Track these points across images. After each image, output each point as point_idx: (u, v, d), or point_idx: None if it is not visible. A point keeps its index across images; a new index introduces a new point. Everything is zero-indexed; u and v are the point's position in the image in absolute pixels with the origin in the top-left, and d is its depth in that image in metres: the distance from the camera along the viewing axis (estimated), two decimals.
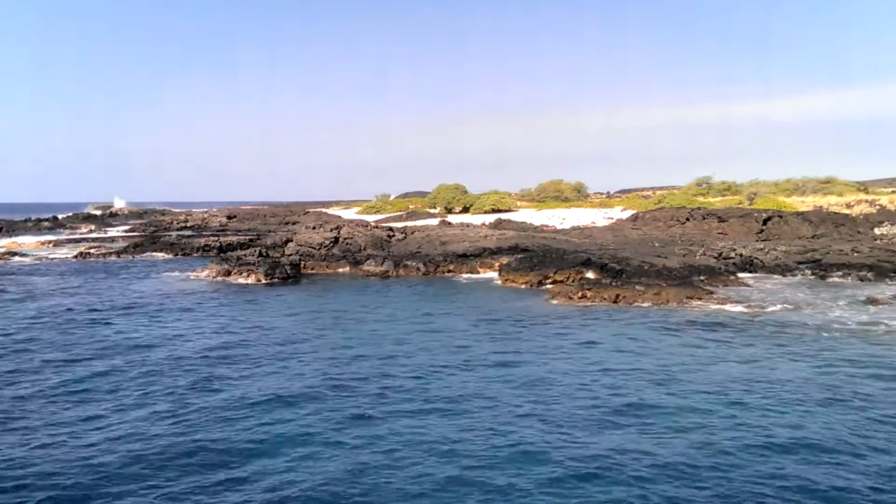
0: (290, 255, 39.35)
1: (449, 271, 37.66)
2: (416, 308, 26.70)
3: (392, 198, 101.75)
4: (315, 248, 40.25)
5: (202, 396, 14.88)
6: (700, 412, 13.55)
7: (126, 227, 79.32)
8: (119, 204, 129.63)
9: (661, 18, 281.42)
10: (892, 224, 47.65)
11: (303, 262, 38.57)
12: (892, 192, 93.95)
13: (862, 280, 32.02)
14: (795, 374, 16.22)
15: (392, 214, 79.10)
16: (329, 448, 11.95)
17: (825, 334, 20.74)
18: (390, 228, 45.95)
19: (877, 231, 46.04)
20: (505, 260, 37.32)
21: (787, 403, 14.01)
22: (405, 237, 43.93)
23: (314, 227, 43.85)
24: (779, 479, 10.49)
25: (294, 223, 51.97)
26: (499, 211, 75.37)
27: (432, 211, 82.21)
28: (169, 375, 16.63)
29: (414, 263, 37.85)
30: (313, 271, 38.43)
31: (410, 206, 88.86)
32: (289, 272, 36.05)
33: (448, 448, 11.86)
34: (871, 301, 25.92)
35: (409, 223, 57.91)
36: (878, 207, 58.12)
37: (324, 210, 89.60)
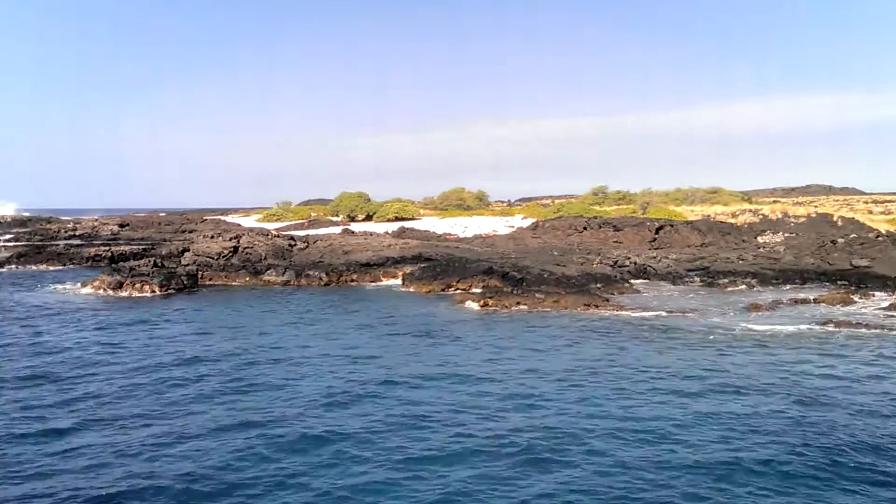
0: (187, 265, 38.20)
1: (352, 280, 37.45)
2: (318, 317, 26.43)
3: (293, 205, 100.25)
4: (213, 258, 39.21)
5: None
6: (587, 403, 14.02)
7: (8, 237, 74.95)
8: (5, 210, 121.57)
9: (568, 28, 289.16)
10: (773, 233, 50.53)
11: (200, 273, 37.50)
12: (774, 201, 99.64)
13: (747, 287, 33.78)
14: (676, 371, 17.00)
15: (293, 222, 77.97)
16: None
17: (710, 338, 21.77)
18: (292, 237, 45.29)
19: (759, 239, 48.70)
20: (408, 269, 37.45)
21: (665, 393, 14.68)
22: (307, 246, 43.40)
23: (212, 236, 42.70)
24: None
25: (191, 232, 50.43)
26: (402, 219, 75.50)
27: (335, 219, 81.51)
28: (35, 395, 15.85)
29: (316, 273, 37.45)
30: (211, 282, 37.43)
31: (312, 214, 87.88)
32: (185, 283, 34.99)
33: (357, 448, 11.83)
34: (754, 307, 27.40)
35: (311, 231, 57.25)
36: (760, 217, 61.41)
37: (222, 218, 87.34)
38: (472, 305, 28.79)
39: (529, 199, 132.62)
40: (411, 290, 33.98)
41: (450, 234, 58.29)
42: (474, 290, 32.61)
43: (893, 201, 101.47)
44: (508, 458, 11.92)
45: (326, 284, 36.62)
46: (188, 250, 41.50)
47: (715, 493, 10.57)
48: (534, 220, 64.28)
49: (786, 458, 11.84)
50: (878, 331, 22.69)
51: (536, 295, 29.76)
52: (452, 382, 16.94)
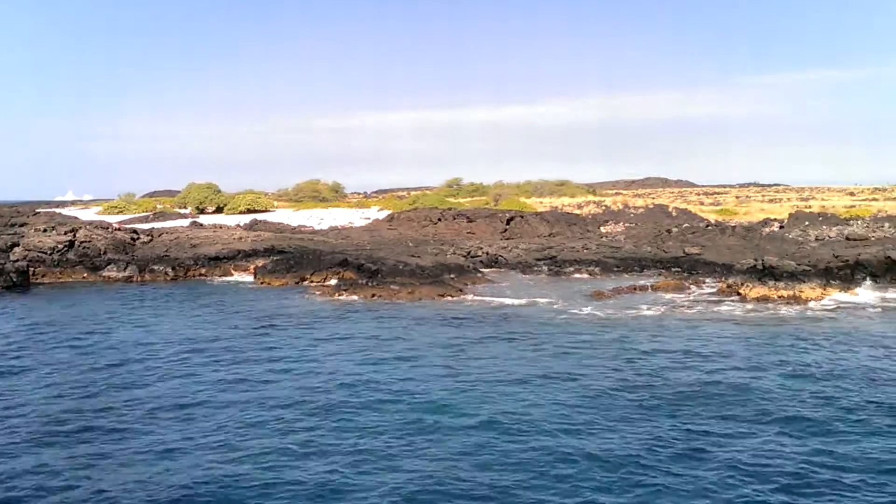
0: (17, 260, 35.39)
1: (201, 275, 36.10)
2: (162, 314, 25.28)
3: (137, 197, 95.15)
4: (46, 253, 36.55)
5: None
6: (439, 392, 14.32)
7: None
8: None
9: (415, 21, 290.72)
10: (615, 223, 53.35)
11: (32, 269, 34.88)
12: (616, 193, 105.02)
13: (590, 275, 35.45)
14: (517, 357, 17.67)
15: (137, 215, 74.03)
16: None
17: (553, 324, 22.73)
18: (135, 231, 43.01)
19: (603, 229, 51.27)
20: (261, 262, 36.54)
21: (512, 383, 15.22)
22: (152, 240, 41.37)
23: (45, 230, 39.77)
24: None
25: (22, 225, 46.82)
26: (255, 211, 73.50)
27: (183, 211, 78.11)
28: None
29: (161, 268, 35.80)
30: (45, 279, 34.92)
31: (158, 206, 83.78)
32: (15, 280, 32.47)
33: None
34: (597, 294, 28.83)
35: (157, 224, 54.58)
36: (604, 208, 64.70)
37: (58, 210, 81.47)
38: (327, 298, 28.55)
39: (386, 191, 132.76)
40: (264, 283, 33.20)
41: (304, 227, 57.41)
42: (329, 282, 32.33)
43: (721, 193, 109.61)
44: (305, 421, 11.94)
45: (173, 279, 35.11)
46: (18, 245, 38.46)
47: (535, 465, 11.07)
48: (390, 211, 64.47)
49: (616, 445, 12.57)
50: (703, 311, 24.53)
51: (391, 286, 29.89)
52: (301, 374, 16.78)
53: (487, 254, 40.06)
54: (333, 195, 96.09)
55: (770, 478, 10.72)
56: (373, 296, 28.70)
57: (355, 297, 28.56)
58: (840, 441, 12.19)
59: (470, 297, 28.82)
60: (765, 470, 11.01)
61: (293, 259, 35.65)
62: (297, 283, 32.80)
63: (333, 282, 32.17)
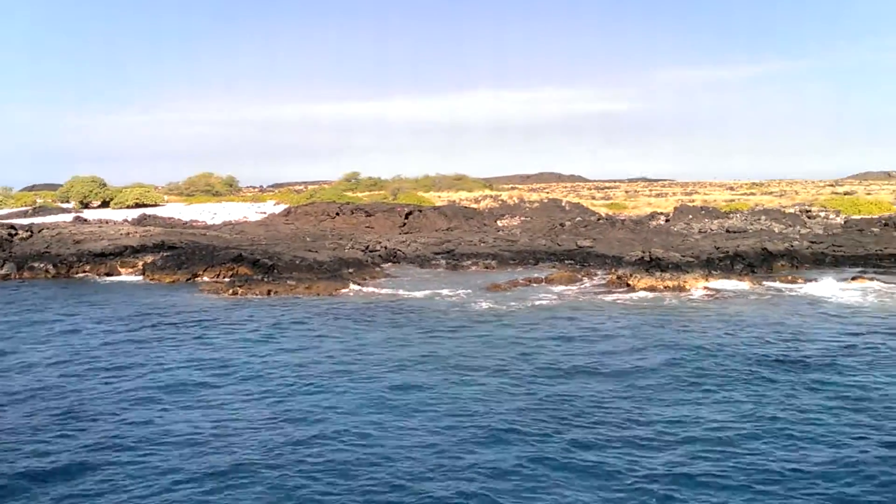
0: None
1: (85, 272, 34.49)
2: (41, 314, 24.02)
3: (15, 191, 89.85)
4: None
5: None
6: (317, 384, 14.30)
7: None
8: None
9: (303, 17, 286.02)
10: (511, 217, 54.33)
11: None
12: (512, 188, 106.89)
13: (487, 268, 36.01)
14: (419, 349, 17.86)
15: (15, 210, 69.97)
16: None
17: (450, 316, 23.02)
18: (12, 226, 40.62)
19: (499, 223, 52.14)
20: (150, 258, 35.23)
21: (406, 369, 15.40)
22: (31, 235, 39.18)
23: None
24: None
25: None
26: (143, 206, 70.76)
27: (65, 206, 74.33)
28: None
29: (42, 265, 34.02)
30: None
31: (38, 201, 79.41)
32: None
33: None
34: (495, 286, 29.35)
35: (37, 219, 51.75)
36: (500, 202, 65.80)
37: None
38: (221, 294, 27.87)
39: (282, 185, 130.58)
40: (153, 280, 32.07)
41: (197, 221, 55.76)
42: (223, 278, 31.55)
43: (612, 188, 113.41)
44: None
45: (55, 277, 33.41)
46: None
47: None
48: (286, 206, 63.45)
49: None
50: (593, 301, 25.42)
51: (288, 282, 29.46)
52: (187, 372, 16.37)
53: (386, 248, 40.05)
54: (227, 189, 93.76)
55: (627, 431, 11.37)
56: (269, 291, 28.22)
57: (251, 293, 28.00)
58: (696, 404, 13.09)
59: (369, 290, 28.77)
60: (630, 426, 11.63)
61: (185, 255, 34.56)
62: (188, 279, 31.85)
63: (228, 278, 31.40)
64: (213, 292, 28.30)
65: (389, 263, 37.44)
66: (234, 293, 28.00)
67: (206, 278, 31.90)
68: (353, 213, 53.28)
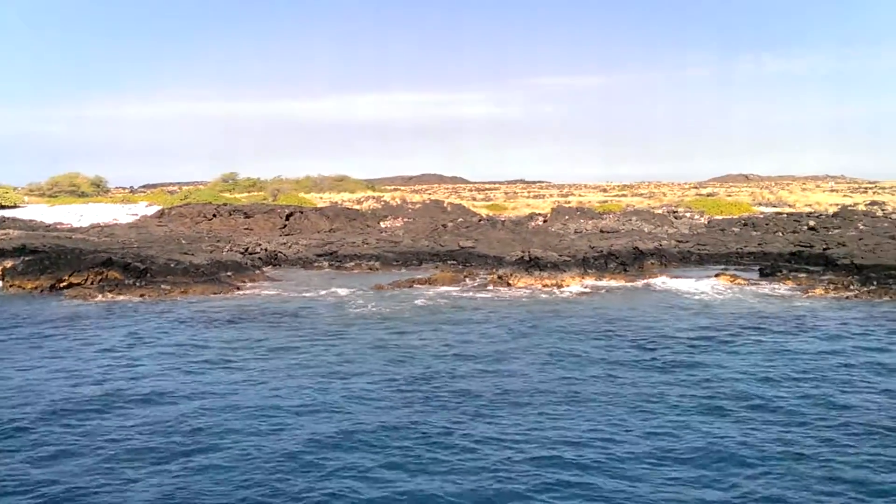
0: None
1: None
2: None
3: None
4: None
5: None
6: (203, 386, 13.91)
7: None
8: None
9: (183, 13, 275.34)
10: (394, 218, 54.39)
11: None
12: (394, 189, 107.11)
13: (371, 269, 35.90)
14: (309, 354, 17.63)
15: None
16: None
17: (331, 319, 22.82)
18: None
19: (382, 224, 52.08)
20: (9, 263, 32.91)
21: (297, 376, 15.18)
22: None
23: None
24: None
25: None
26: (1, 207, 66.13)
27: None
28: None
29: None
30: None
31: None
32: None
33: None
34: (378, 287, 29.30)
35: None
36: (383, 203, 65.78)
37: None
38: (89, 300, 26.46)
39: (154, 186, 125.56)
40: (13, 287, 30.02)
41: (62, 224, 52.65)
42: (91, 284, 29.91)
43: (492, 189, 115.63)
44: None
45: None
46: None
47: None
48: (159, 207, 61.00)
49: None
50: (474, 300, 25.86)
51: (162, 286, 28.34)
52: (48, 383, 15.46)
53: (266, 250, 39.20)
54: (95, 190, 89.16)
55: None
56: (141, 296, 27.05)
57: (121, 298, 26.76)
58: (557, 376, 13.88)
59: (248, 293, 28.08)
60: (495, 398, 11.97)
61: (48, 259, 32.49)
62: (53, 285, 29.97)
63: (97, 283, 29.79)
64: (81, 298, 26.83)
65: (270, 266, 36.67)
66: (104, 299, 26.64)
67: (72, 283, 30.13)
68: (230, 214, 51.83)
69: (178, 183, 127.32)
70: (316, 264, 37.33)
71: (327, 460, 11.37)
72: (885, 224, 43.85)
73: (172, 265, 31.79)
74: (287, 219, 50.21)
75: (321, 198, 73.55)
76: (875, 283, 27.68)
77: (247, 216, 51.00)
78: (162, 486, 10.48)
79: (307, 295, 27.75)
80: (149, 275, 30.22)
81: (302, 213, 51.90)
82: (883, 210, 55.87)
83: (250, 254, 38.40)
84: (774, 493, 10.13)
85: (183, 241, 41.89)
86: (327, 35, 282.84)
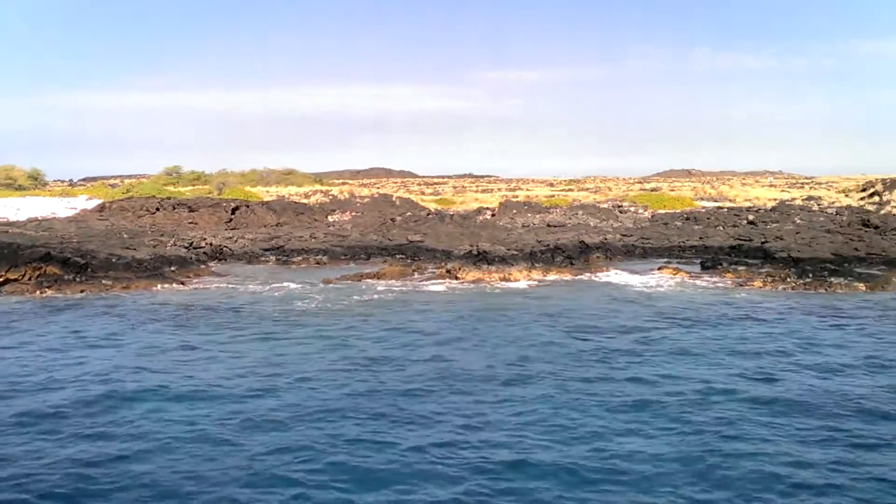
0: None
1: None
2: None
3: None
4: None
5: None
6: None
7: None
8: None
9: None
10: (342, 212, 54.06)
11: None
12: (343, 183, 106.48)
13: (318, 264, 35.66)
14: (260, 353, 17.51)
15: None
16: None
17: (279, 310, 22.67)
18: None
19: (330, 218, 51.73)
20: None
21: (241, 376, 15.08)
22: None
23: None
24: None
25: None
26: None
27: None
28: None
29: None
30: None
31: None
32: None
33: None
34: (327, 281, 29.17)
35: None
36: (331, 197, 65.30)
37: None
38: (26, 296, 25.74)
39: (94, 179, 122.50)
40: None
41: None
42: (29, 279, 29.06)
43: (440, 183, 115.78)
44: None
45: None
46: None
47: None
48: (100, 201, 59.50)
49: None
50: (422, 293, 25.96)
51: (104, 281, 27.74)
52: None
53: (212, 245, 38.61)
54: (32, 183, 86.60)
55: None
56: (82, 292, 26.44)
57: (61, 294, 26.10)
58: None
59: (193, 289, 27.65)
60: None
61: None
62: None
63: (34, 279, 28.95)
64: (18, 294, 26.09)
65: (215, 261, 36.13)
66: (43, 295, 25.95)
67: (9, 279, 29.22)
68: (174, 208, 50.83)
69: (120, 176, 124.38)
70: (262, 259, 36.94)
71: (264, 445, 11.41)
72: (821, 218, 45.32)
73: (114, 260, 31.11)
74: (233, 213, 49.49)
75: (268, 192, 72.69)
76: (811, 275, 28.64)
77: (191, 210, 50.10)
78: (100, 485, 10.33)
79: (253, 289, 27.48)
80: (89, 270, 29.52)
81: (248, 207, 51.22)
82: (819, 205, 57.68)
83: (195, 248, 37.77)
84: (700, 468, 10.50)
85: (125, 236, 40.93)
86: (287, 25, 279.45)
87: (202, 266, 33.50)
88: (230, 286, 28.43)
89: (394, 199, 60.28)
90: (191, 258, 34.65)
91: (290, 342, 18.94)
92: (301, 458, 11.21)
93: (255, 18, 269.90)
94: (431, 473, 10.70)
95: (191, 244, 38.43)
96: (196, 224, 47.86)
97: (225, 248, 38.23)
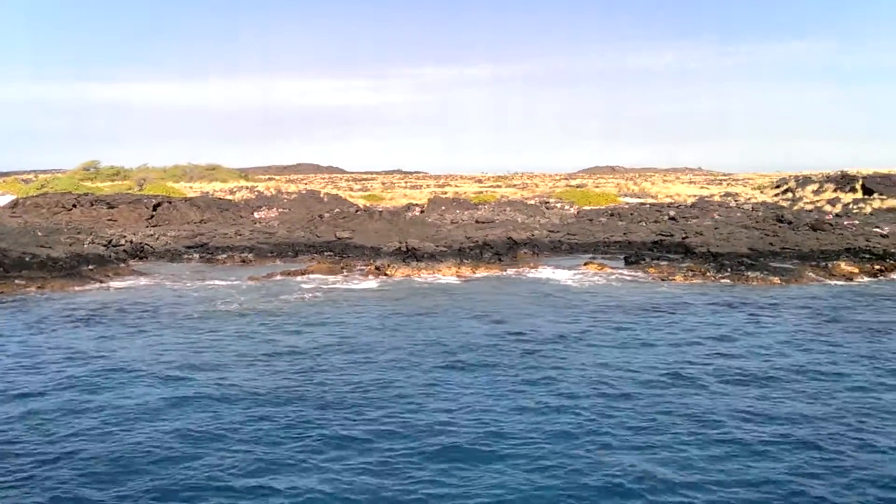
0: None
1: None
2: None
3: None
4: None
5: None
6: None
7: None
8: None
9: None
10: (268, 208, 53.20)
11: None
12: (269, 178, 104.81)
13: (244, 261, 35.00)
14: (155, 351, 17.09)
15: None
16: None
17: (201, 311, 22.17)
18: None
19: (256, 215, 50.83)
20: None
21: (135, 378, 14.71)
22: None
23: None
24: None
25: None
26: None
27: None
28: None
29: None
30: None
31: None
32: None
33: None
34: (252, 279, 28.64)
35: None
36: (257, 193, 64.18)
37: None
38: None
39: (7, 174, 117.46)
40: None
41: None
42: None
43: (369, 179, 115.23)
44: None
45: None
46: None
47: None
48: (13, 197, 57.09)
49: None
50: (350, 291, 25.79)
51: (16, 281, 26.60)
52: None
53: (132, 242, 37.46)
54: None
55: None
56: None
57: None
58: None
59: (112, 288, 26.75)
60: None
61: None
62: None
63: None
64: None
65: (136, 259, 35.03)
66: None
67: None
68: (92, 204, 49.10)
69: (34, 171, 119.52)
70: (185, 256, 36.04)
71: (184, 450, 11.15)
72: (738, 214, 47.00)
73: (28, 259, 29.85)
74: (154, 209, 48.12)
75: (191, 187, 70.95)
76: (728, 269, 29.66)
77: (110, 206, 48.48)
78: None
79: (175, 288, 26.78)
80: (2, 269, 28.24)
81: (170, 203, 49.87)
82: (736, 201, 59.85)
83: (114, 246, 36.56)
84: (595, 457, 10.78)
85: (39, 234, 39.26)
86: (209, 14, 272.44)
87: (122, 265, 32.44)
88: (150, 285, 27.65)
89: (322, 195, 59.63)
90: (110, 256, 33.52)
91: (210, 343, 18.50)
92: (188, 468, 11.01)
93: (177, 5, 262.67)
94: (357, 466, 10.71)
95: (110, 242, 37.20)
96: (115, 221, 46.37)
97: (146, 246, 37.15)
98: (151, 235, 39.39)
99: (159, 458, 11.12)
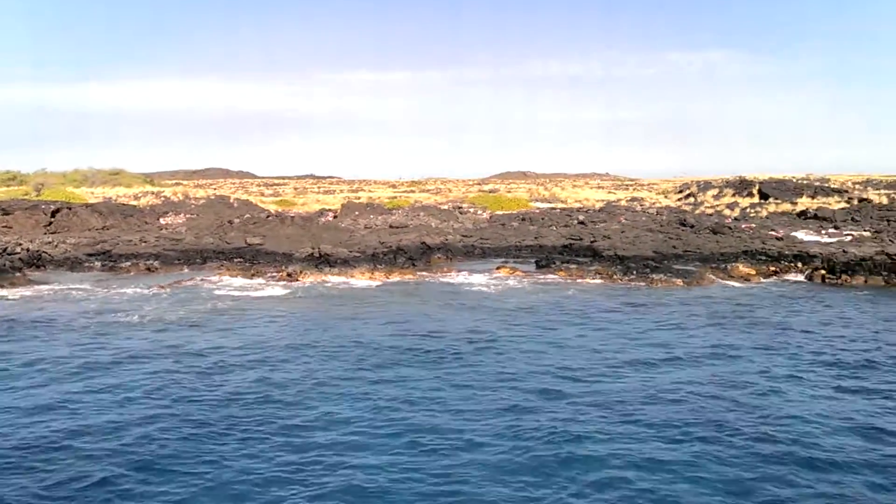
0: None
1: None
2: None
3: None
4: None
5: None
6: None
7: None
8: None
9: None
10: (175, 214, 51.68)
11: None
12: (176, 183, 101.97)
13: (149, 269, 33.85)
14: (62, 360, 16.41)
15: None
16: None
17: (103, 322, 21.35)
18: None
19: (162, 221, 49.29)
20: None
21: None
22: None
23: None
24: None
25: None
26: None
27: None
28: None
29: None
30: None
31: None
32: None
33: None
34: (158, 288, 27.75)
35: None
36: (163, 199, 62.28)
37: None
38: None
39: None
40: None
41: None
42: None
43: (281, 184, 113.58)
44: None
45: None
46: None
47: None
48: None
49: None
50: (261, 298, 25.36)
51: None
52: None
53: (28, 250, 35.69)
54: None
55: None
56: None
57: None
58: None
59: (6, 300, 25.41)
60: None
61: None
62: None
63: None
64: None
65: (33, 268, 33.39)
66: None
67: None
68: None
69: None
70: (87, 265, 34.58)
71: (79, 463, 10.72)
72: (644, 218, 48.55)
73: None
74: (53, 216, 46.02)
75: (93, 193, 68.21)
76: (634, 272, 30.62)
77: (5, 213, 46.06)
78: None
79: (74, 299, 25.66)
80: None
81: (70, 209, 47.79)
82: (641, 205, 61.81)
83: (9, 254, 34.74)
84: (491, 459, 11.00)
85: None
86: (122, 13, 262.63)
87: (17, 274, 30.84)
88: (47, 295, 26.41)
89: (231, 200, 58.38)
90: (4, 265, 31.85)
91: (106, 358, 17.57)
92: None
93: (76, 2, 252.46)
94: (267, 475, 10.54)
95: (4, 250, 35.33)
96: (10, 228, 44.09)
97: (44, 254, 35.47)
98: (50, 243, 37.68)
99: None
